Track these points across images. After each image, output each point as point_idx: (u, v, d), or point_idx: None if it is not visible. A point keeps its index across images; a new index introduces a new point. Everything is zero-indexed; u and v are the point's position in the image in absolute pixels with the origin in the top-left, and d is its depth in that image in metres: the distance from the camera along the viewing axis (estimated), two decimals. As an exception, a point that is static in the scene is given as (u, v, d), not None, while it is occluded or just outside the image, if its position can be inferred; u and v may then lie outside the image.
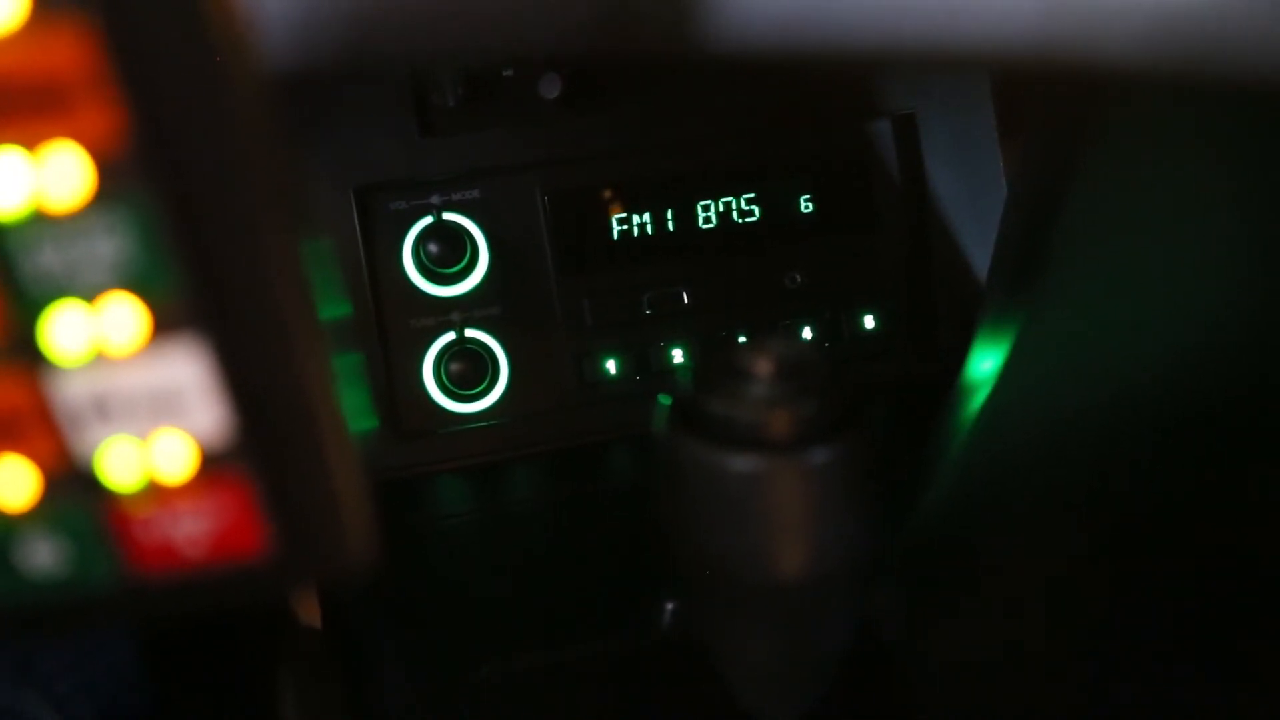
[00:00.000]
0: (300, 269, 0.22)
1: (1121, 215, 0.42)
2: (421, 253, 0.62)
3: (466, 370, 0.63)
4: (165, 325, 0.22)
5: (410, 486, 0.63)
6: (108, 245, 0.21)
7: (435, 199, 0.63)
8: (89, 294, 0.22)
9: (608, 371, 0.65)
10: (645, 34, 0.29)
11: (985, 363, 0.48)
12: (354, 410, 0.25)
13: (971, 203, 0.66)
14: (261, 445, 0.23)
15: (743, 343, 0.37)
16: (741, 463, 0.35)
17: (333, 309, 0.25)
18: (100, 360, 0.22)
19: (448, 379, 0.63)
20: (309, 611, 0.52)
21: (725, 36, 0.29)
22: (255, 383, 0.23)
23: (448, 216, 0.63)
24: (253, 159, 0.21)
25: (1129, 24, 0.27)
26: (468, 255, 0.63)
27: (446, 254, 0.62)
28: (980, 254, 0.66)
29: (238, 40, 0.21)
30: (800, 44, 0.29)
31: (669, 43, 0.30)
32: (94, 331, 0.22)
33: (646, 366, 0.65)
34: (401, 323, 0.64)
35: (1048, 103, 0.47)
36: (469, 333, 0.64)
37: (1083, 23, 0.28)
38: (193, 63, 0.20)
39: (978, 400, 0.48)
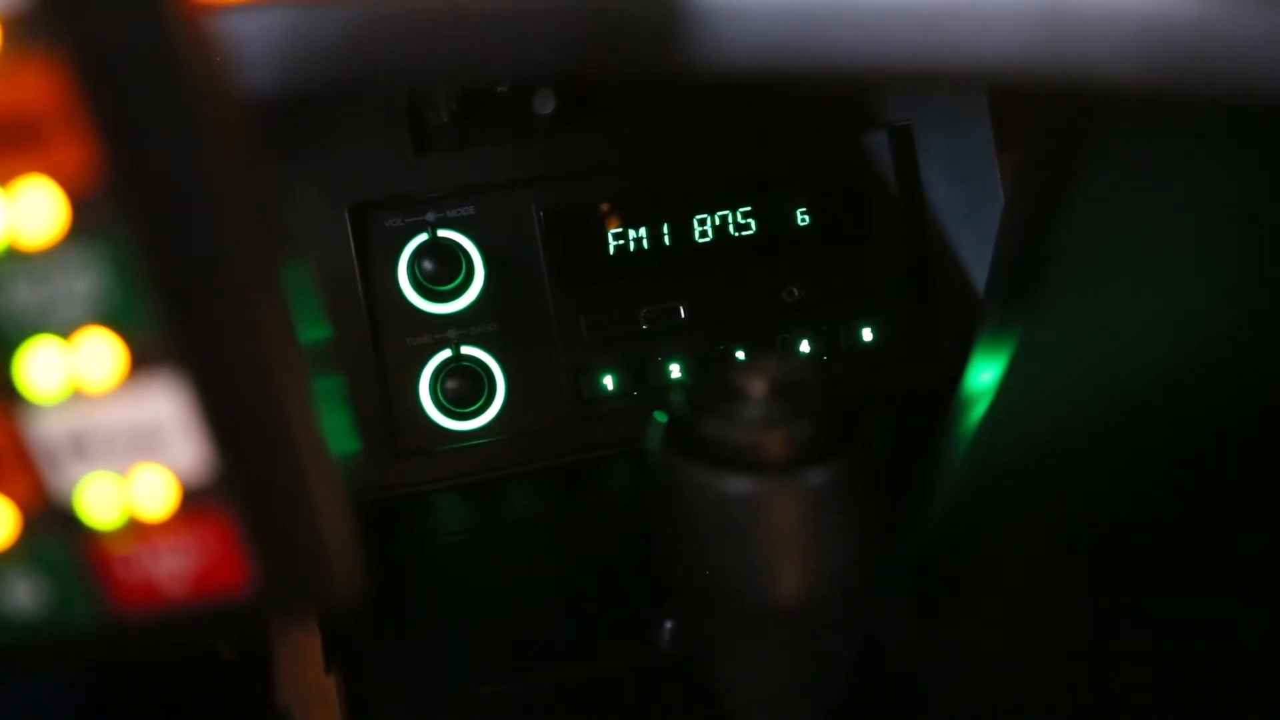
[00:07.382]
0: (280, 299, 0.22)
1: (1118, 227, 0.42)
2: (417, 270, 0.62)
3: (463, 388, 0.63)
4: (143, 361, 0.22)
5: (407, 505, 0.63)
6: (83, 281, 0.21)
7: (430, 216, 0.62)
8: (65, 330, 0.21)
9: (605, 387, 0.65)
10: (635, 54, 0.29)
11: (984, 374, 0.48)
12: (336, 434, 0.25)
13: (969, 214, 0.66)
14: (243, 480, 0.23)
15: (737, 362, 0.36)
16: (737, 484, 0.34)
17: (313, 332, 0.25)
18: (77, 397, 0.22)
19: (444, 397, 0.63)
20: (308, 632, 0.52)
21: (715, 56, 0.29)
22: (235, 417, 0.22)
23: (443, 233, 0.63)
24: (230, 190, 0.21)
25: (1119, 38, 0.27)
26: (463, 272, 0.62)
27: (442, 271, 0.62)
28: (978, 265, 0.66)
29: (214, 71, 0.21)
30: (791, 63, 0.29)
31: (659, 62, 0.29)
32: (70, 368, 0.22)
33: (644, 382, 0.65)
34: (397, 341, 0.63)
35: (1044, 114, 0.47)
36: (465, 350, 0.63)
37: (1073, 37, 0.27)
38: (167, 96, 0.19)
39: (977, 412, 0.47)
